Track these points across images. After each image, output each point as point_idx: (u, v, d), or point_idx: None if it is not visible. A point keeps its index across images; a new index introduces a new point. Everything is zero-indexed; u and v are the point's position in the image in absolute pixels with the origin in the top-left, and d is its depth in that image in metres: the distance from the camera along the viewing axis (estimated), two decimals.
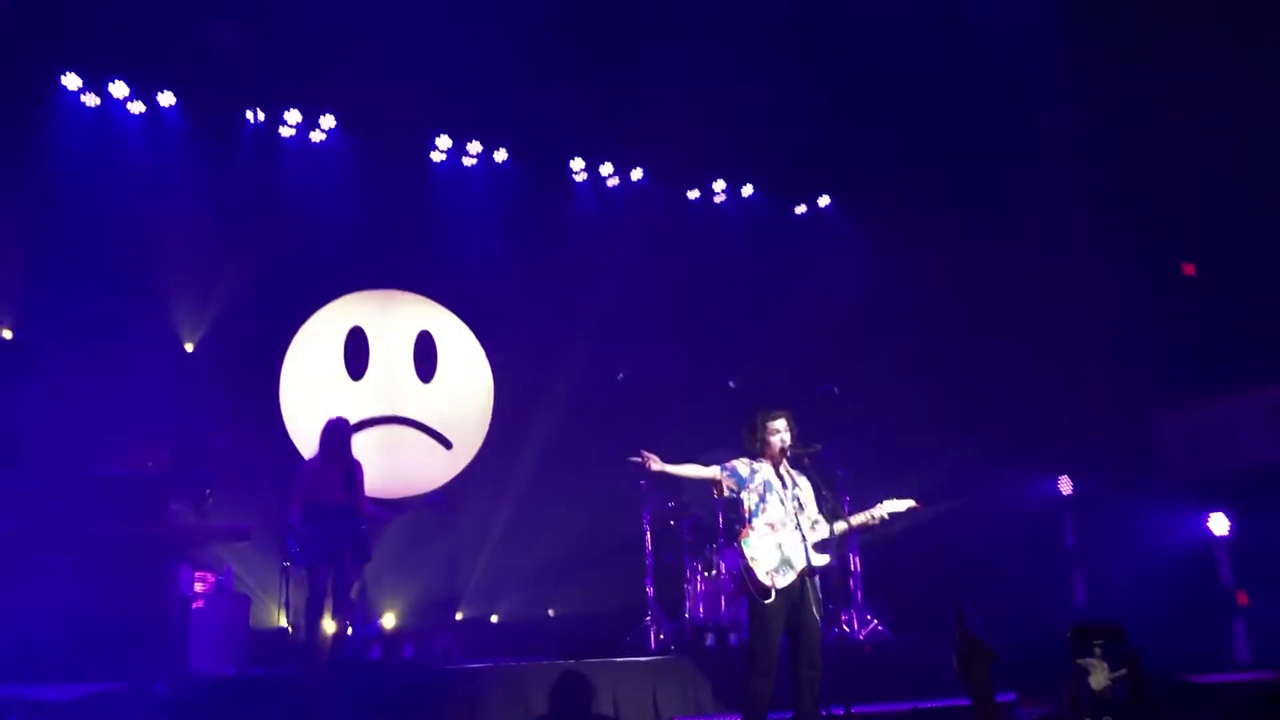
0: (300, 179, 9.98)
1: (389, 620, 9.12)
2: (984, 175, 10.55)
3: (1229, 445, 10.48)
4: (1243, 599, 9.34)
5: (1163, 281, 10.57)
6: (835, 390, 9.61)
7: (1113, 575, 9.67)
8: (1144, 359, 10.45)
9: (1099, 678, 1.79)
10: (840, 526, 5.91)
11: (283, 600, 8.20)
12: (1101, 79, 9.91)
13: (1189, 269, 10.83)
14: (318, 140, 10.13)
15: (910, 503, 5.90)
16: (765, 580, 5.72)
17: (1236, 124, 9.57)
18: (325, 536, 7.48)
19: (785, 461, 6.01)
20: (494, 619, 9.65)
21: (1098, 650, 1.81)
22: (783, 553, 5.80)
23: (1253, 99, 9.38)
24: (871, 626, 8.80)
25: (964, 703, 6.77)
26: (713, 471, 5.92)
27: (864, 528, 6.03)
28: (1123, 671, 1.82)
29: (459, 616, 9.21)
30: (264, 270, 9.60)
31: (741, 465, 5.93)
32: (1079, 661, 1.80)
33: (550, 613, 9.68)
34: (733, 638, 8.42)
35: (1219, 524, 9.66)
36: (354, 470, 7.79)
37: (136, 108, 9.47)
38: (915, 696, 7.24)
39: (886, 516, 5.95)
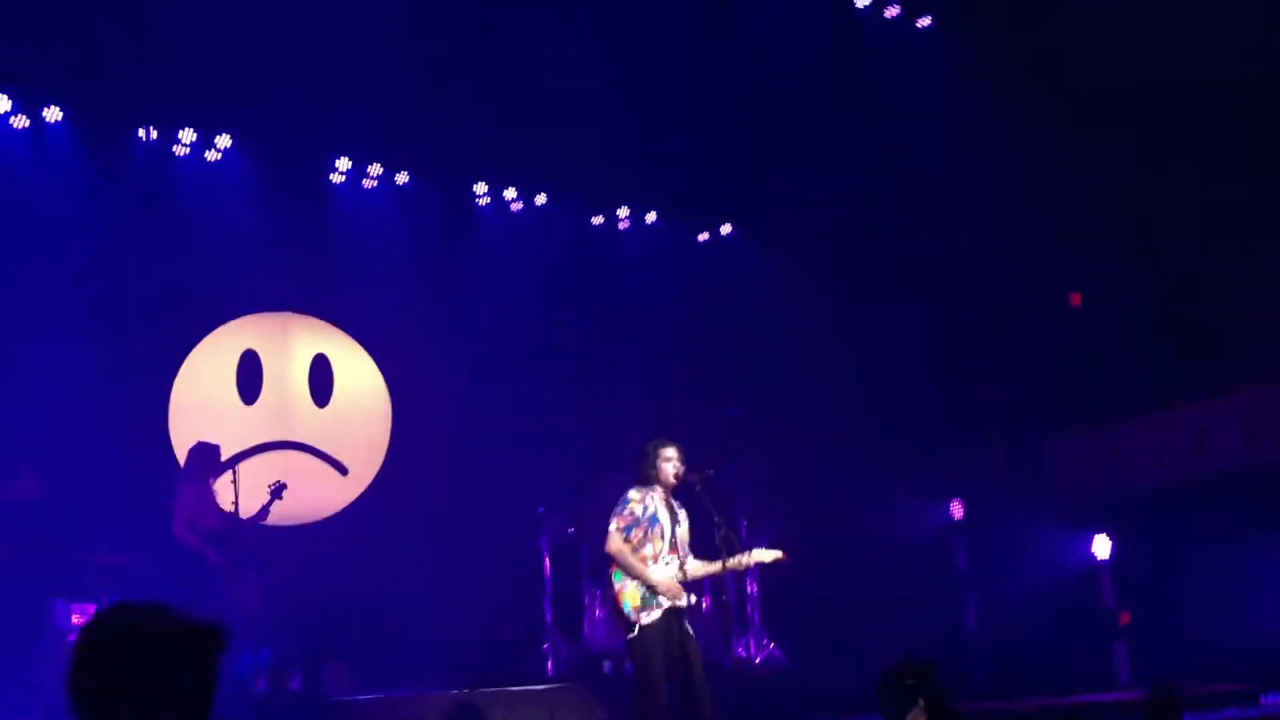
0: (195, 199, 9.72)
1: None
2: (882, 204, 10.77)
3: (1115, 469, 10.83)
4: (1125, 619, 9.64)
5: (1051, 310, 10.92)
6: (734, 411, 9.71)
7: (1002, 597, 9.91)
8: (1035, 386, 10.76)
9: None
10: (709, 568, 6.04)
11: None
12: (995, 114, 10.21)
13: (1075, 299, 11.20)
14: (213, 160, 9.92)
15: (777, 554, 6.12)
16: (630, 614, 5.80)
17: (1118, 154, 9.93)
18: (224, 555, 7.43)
19: (670, 493, 6.10)
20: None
21: (917, 697, 1.85)
22: (652, 589, 5.85)
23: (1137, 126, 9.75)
24: (769, 650, 8.87)
25: None
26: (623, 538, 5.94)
27: (732, 571, 6.20)
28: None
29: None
30: (155, 292, 9.34)
31: (636, 505, 5.99)
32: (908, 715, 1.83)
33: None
34: (629, 665, 8.40)
35: (1102, 547, 9.97)
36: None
37: (20, 122, 9.16)
38: (812, 718, 7.31)
39: (753, 564, 6.15)
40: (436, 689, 7.47)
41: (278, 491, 7.86)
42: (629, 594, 5.82)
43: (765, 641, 8.95)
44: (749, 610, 9.13)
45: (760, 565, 6.28)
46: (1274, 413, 9.61)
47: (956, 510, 10.51)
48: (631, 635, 5.79)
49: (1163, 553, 9.51)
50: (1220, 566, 8.90)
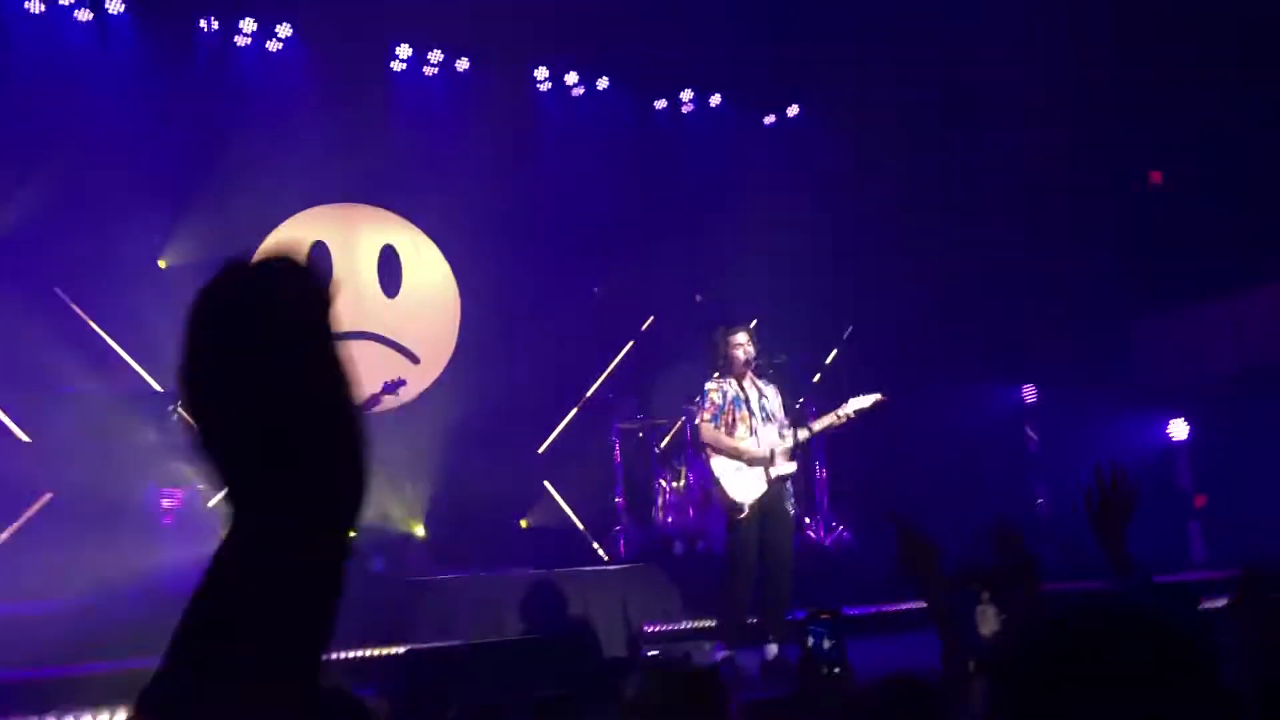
0: (257, 91, 9.72)
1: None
2: (951, 84, 10.42)
3: (1194, 352, 10.61)
4: (1200, 502, 9.54)
5: (1132, 189, 10.59)
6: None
7: (1075, 480, 9.82)
8: (1114, 267, 10.50)
9: (989, 624, 1.81)
10: (803, 433, 6.02)
11: None
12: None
13: (1156, 177, 10.83)
14: (274, 50, 9.86)
15: (876, 397, 6.06)
16: (736, 497, 5.83)
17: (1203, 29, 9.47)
18: None
19: (750, 374, 6.09)
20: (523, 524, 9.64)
21: (986, 596, 1.84)
22: (751, 467, 5.89)
23: None
24: (838, 533, 8.93)
25: (922, 605, 6.92)
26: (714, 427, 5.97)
27: (833, 429, 6.15)
28: (1004, 617, 1.86)
29: (419, 532, 9.23)
30: (221, 186, 9.39)
31: (715, 394, 6.01)
32: (979, 607, 1.83)
33: (522, 524, 9.73)
34: (700, 545, 8.53)
35: (1179, 429, 9.82)
36: None
37: (83, 15, 9.15)
38: (879, 600, 7.38)
39: (853, 415, 6.07)
40: (515, 569, 7.65)
41: (392, 387, 7.95)
42: (728, 479, 5.87)
43: (834, 524, 9.00)
44: (818, 493, 9.17)
45: (860, 415, 6.20)
46: None
47: (1029, 394, 10.39)
48: (741, 516, 5.84)
49: (1239, 437, 9.37)
50: None
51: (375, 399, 7.89)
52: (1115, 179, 10.63)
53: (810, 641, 3.69)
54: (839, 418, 6.11)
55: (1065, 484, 10.00)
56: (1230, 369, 10.27)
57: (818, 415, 6.43)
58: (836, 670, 3.66)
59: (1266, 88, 9.35)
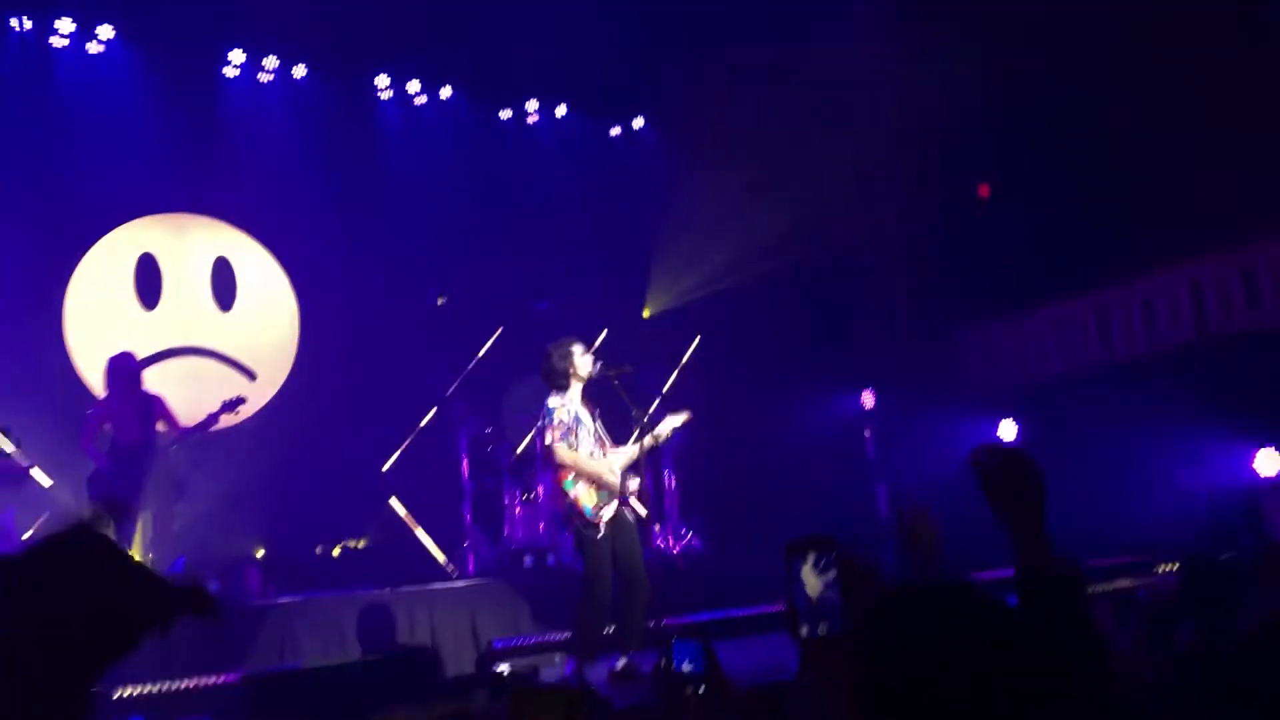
0: (76, 95, 9.23)
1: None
2: (795, 97, 10.67)
3: (1021, 357, 11.13)
4: None
5: (961, 202, 11.03)
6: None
7: (911, 482, 10.16)
8: (945, 277, 10.92)
9: (813, 585, 1.88)
10: (631, 452, 6.10)
11: None
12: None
13: (984, 190, 11.33)
14: (95, 52, 9.38)
15: (685, 415, 6.19)
16: (593, 516, 5.81)
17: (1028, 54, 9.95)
18: (128, 476, 7.18)
19: (581, 393, 6.11)
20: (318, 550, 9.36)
21: (810, 560, 1.90)
22: (601, 486, 5.90)
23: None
24: (686, 540, 9.00)
25: (774, 609, 7.05)
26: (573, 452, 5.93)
27: (652, 449, 6.25)
28: (833, 574, 1.91)
29: (259, 554, 8.92)
30: (38, 197, 8.87)
31: (561, 411, 5.96)
32: (800, 575, 1.87)
33: (359, 545, 9.46)
34: (550, 559, 8.48)
35: (1007, 430, 10.28)
36: (151, 404, 7.51)
37: None
38: (728, 605, 7.47)
39: (669, 435, 6.21)
40: (359, 589, 7.43)
41: (231, 405, 7.59)
42: (584, 497, 5.83)
43: (683, 532, 9.08)
44: (666, 502, 9.24)
45: (674, 435, 6.34)
46: (1170, 298, 9.93)
47: (868, 400, 10.70)
48: (598, 536, 5.80)
49: (1064, 436, 9.83)
50: (1117, 449, 9.24)
51: (213, 418, 7.55)
52: (946, 191, 11.07)
53: (671, 660, 3.68)
54: (655, 440, 6.21)
55: (902, 485, 10.35)
56: (1054, 371, 10.80)
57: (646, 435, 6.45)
58: (700, 690, 3.65)
59: (1094, 94, 9.87)
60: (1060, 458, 9.70)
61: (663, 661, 4.23)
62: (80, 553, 1.02)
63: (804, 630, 1.89)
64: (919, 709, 1.28)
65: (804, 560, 1.90)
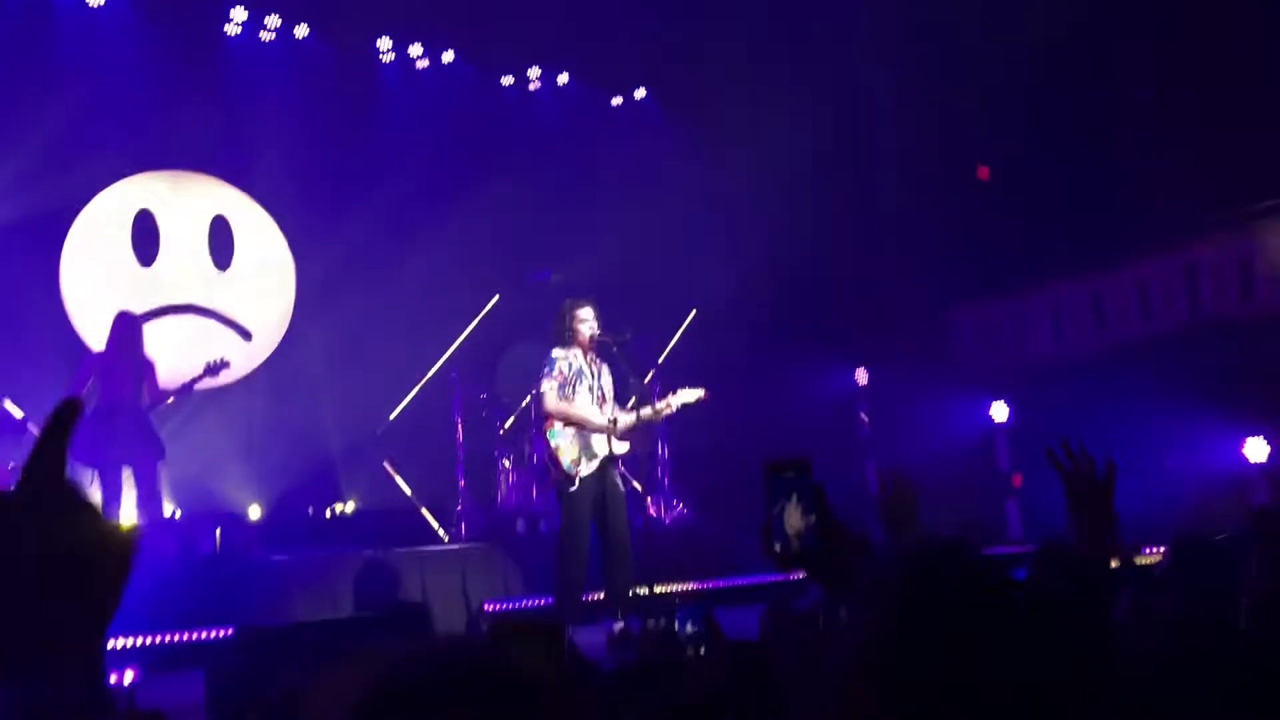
0: (77, 50, 9.17)
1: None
2: (795, 74, 10.65)
3: (1015, 339, 11.18)
4: (1017, 481, 10.07)
5: (960, 183, 11.05)
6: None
7: (902, 460, 10.22)
8: (942, 257, 10.94)
9: (793, 521, 1.85)
10: (632, 418, 6.14)
11: None
12: None
13: (983, 172, 11.33)
14: (96, 6, 9.31)
15: (700, 392, 6.21)
16: (569, 469, 5.86)
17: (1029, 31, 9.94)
18: (116, 433, 7.16)
19: (592, 350, 6.14)
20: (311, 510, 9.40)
21: (794, 495, 1.87)
22: (586, 441, 5.93)
23: None
24: (677, 510, 9.06)
25: (765, 579, 7.12)
26: (559, 396, 5.97)
27: (660, 417, 6.27)
28: (813, 518, 1.89)
29: (255, 514, 8.96)
30: (39, 149, 8.83)
31: (563, 363, 6.02)
32: (778, 507, 1.84)
33: (347, 509, 9.48)
34: (543, 525, 8.53)
35: (1000, 411, 10.34)
36: (143, 368, 7.48)
37: None
38: (718, 575, 7.54)
39: (679, 407, 6.23)
40: (351, 549, 7.48)
41: (214, 369, 7.56)
42: (565, 449, 5.89)
43: (674, 502, 9.13)
44: (659, 472, 9.28)
45: (685, 408, 6.36)
46: (1164, 284, 9.98)
47: (861, 377, 10.75)
48: (572, 489, 5.85)
49: (1054, 417, 9.89)
50: (1108, 432, 9.30)
51: (195, 379, 7.54)
52: (946, 173, 11.07)
53: (675, 622, 3.74)
54: (669, 406, 6.25)
55: (894, 463, 10.41)
56: (1047, 353, 10.85)
57: (660, 396, 6.52)
58: (701, 650, 3.71)
59: (1091, 84, 9.88)
60: (1050, 439, 9.87)
61: (650, 623, 4.29)
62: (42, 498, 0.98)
63: (777, 546, 1.91)
64: (921, 685, 1.24)
65: (788, 498, 1.91)
